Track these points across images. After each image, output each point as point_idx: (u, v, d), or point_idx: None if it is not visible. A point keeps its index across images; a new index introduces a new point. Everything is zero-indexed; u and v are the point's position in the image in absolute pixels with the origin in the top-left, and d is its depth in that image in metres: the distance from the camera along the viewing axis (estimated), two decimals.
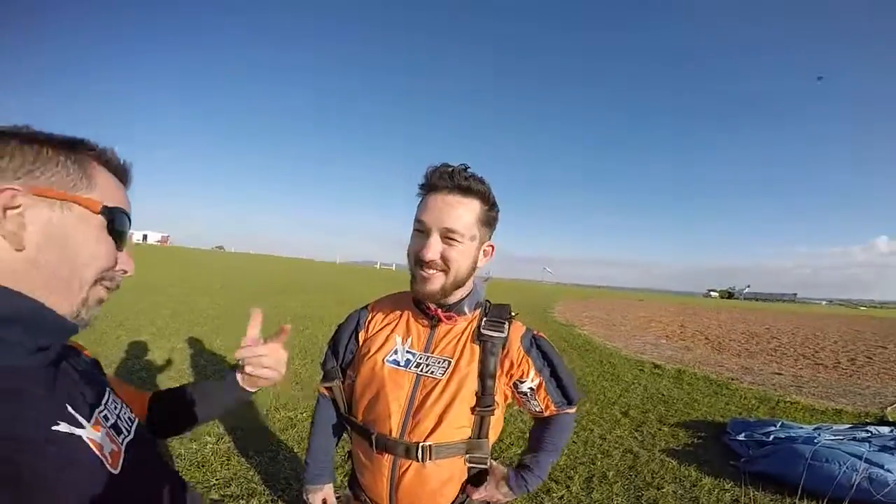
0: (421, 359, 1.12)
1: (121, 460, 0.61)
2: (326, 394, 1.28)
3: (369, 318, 1.25)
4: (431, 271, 1.05)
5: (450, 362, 1.11)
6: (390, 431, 1.09)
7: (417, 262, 1.06)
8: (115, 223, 0.63)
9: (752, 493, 3.02)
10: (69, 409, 0.57)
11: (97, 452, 0.57)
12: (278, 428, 3.74)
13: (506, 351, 1.13)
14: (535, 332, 1.19)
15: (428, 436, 1.06)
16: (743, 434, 3.98)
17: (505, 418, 1.25)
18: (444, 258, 1.04)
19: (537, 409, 1.19)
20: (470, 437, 1.10)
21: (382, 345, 1.17)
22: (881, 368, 8.66)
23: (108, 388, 0.71)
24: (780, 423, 4.17)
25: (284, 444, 3.45)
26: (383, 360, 1.14)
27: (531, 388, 1.14)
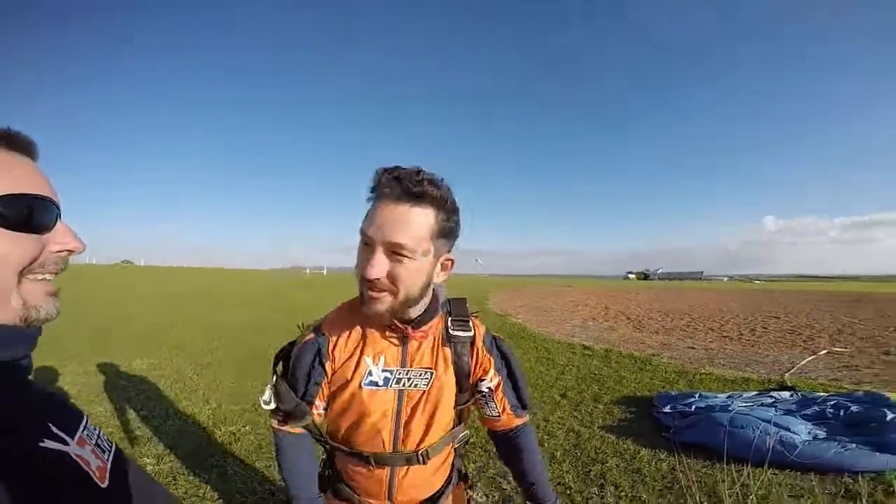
0: (401, 374, 1.07)
1: (107, 475, 0.61)
2: (295, 432, 1.13)
3: (330, 345, 1.09)
4: (377, 292, 0.93)
5: (431, 372, 1.09)
6: (383, 446, 1.08)
7: (362, 280, 0.94)
8: (12, 213, 0.54)
9: (686, 462, 3.25)
10: (52, 426, 0.57)
11: (85, 468, 0.57)
12: (222, 443, 3.56)
13: (474, 348, 1.15)
14: (494, 334, 1.21)
15: (420, 442, 1.10)
16: (668, 406, 4.28)
17: None
18: (390, 277, 0.91)
19: (493, 414, 1.21)
20: (453, 428, 1.17)
21: (355, 370, 1.06)
22: (776, 337, 9.72)
23: (83, 412, 0.68)
24: (698, 394, 4.55)
25: (231, 459, 3.29)
26: (360, 384, 1.06)
27: (490, 388, 1.17)
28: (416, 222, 0.90)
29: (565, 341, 8.76)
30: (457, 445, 1.23)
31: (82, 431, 0.63)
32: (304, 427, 1.13)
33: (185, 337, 8.44)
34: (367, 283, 0.93)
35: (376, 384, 1.06)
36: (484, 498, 2.85)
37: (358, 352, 1.07)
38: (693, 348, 8.30)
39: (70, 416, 0.63)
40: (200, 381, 5.41)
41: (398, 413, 1.08)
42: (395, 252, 0.90)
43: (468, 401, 1.18)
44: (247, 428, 3.88)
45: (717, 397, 4.45)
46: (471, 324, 1.15)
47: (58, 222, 0.61)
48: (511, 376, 1.20)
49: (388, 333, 1.07)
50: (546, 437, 3.84)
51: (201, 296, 18.09)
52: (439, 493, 1.20)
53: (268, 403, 1.09)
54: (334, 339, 1.09)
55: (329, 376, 1.09)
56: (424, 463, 1.10)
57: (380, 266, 0.90)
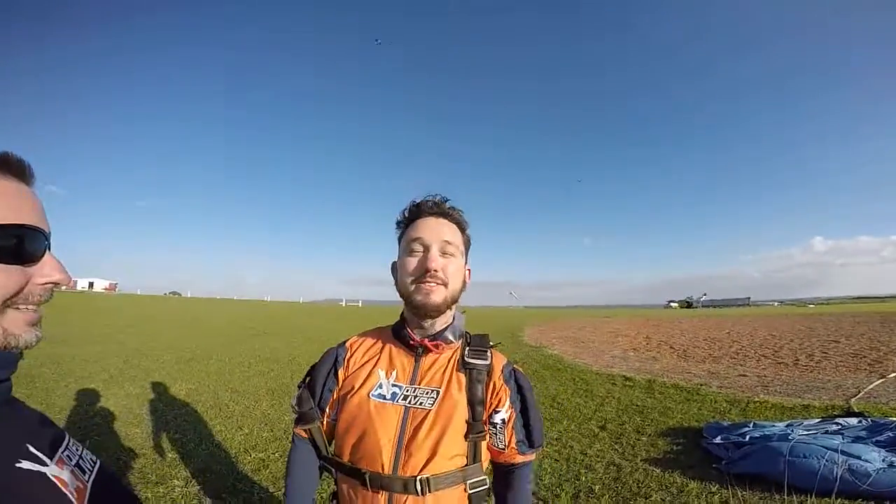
0: (408, 391, 1.10)
1: (87, 497, 0.61)
2: (304, 436, 1.19)
3: (348, 354, 1.21)
4: (433, 283, 1.07)
5: (438, 392, 1.09)
6: (383, 468, 1.03)
7: (419, 275, 1.08)
8: None
9: (739, 494, 2.97)
10: (30, 447, 0.57)
11: (63, 489, 0.57)
12: (249, 469, 3.54)
13: (490, 378, 1.13)
14: (515, 366, 1.19)
15: (423, 468, 1.02)
16: (719, 437, 3.95)
17: None
18: (444, 270, 1.08)
19: (500, 446, 1.14)
20: (465, 465, 1.07)
21: (366, 380, 1.13)
22: (838, 362, 8.98)
23: (65, 432, 0.68)
24: (752, 424, 4.18)
25: (258, 486, 3.25)
26: (368, 394, 1.10)
27: (503, 420, 1.11)
28: (454, 230, 1.13)
29: (604, 372, 8.38)
30: (471, 491, 1.08)
31: (62, 452, 0.63)
32: (311, 432, 1.16)
33: (224, 365, 8.66)
34: (423, 278, 1.07)
35: (384, 397, 1.09)
36: None
37: (372, 364, 1.16)
38: (744, 376, 7.75)
39: (50, 437, 0.63)
40: (235, 408, 5.47)
41: (401, 431, 1.05)
42: (445, 251, 1.10)
43: (481, 432, 1.09)
44: (276, 455, 3.85)
45: (774, 426, 4.07)
46: (489, 353, 1.15)
47: (46, 254, 0.60)
48: (524, 412, 1.14)
49: (404, 350, 1.16)
50: (584, 470, 3.61)
51: (241, 326, 18.50)
52: None
53: (293, 407, 1.17)
54: (353, 350, 1.21)
55: (340, 383, 1.17)
56: (423, 494, 1.01)
57: (437, 259, 1.07)
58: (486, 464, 1.13)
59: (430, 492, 1.01)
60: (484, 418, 1.10)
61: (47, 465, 0.57)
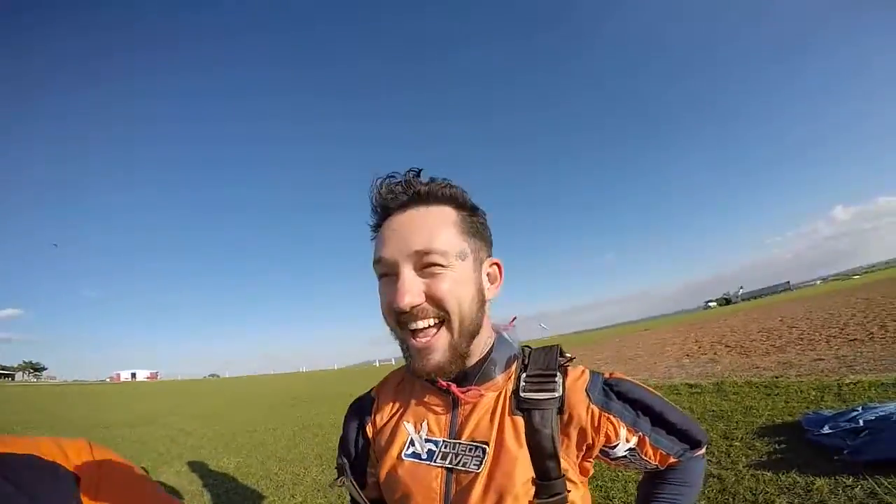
0: (447, 447, 0.78)
1: None
2: (355, 500, 0.88)
3: (375, 406, 0.91)
4: (423, 325, 0.70)
5: (484, 449, 0.74)
6: None
7: (397, 320, 0.71)
8: None
9: (885, 482, 2.53)
10: None
11: None
12: None
13: (566, 415, 0.75)
14: (607, 375, 0.80)
15: None
16: (827, 427, 3.43)
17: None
18: (431, 298, 0.69)
19: (650, 467, 0.81)
20: None
21: (394, 438, 0.84)
22: None
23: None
24: (861, 407, 3.65)
25: None
26: (400, 455, 0.81)
27: (631, 450, 0.77)
28: (437, 221, 0.72)
29: (664, 384, 7.77)
30: None
31: None
32: (352, 496, 0.86)
33: (268, 436, 8.50)
34: (405, 327, 0.71)
35: (418, 456, 0.79)
36: None
37: (398, 416, 0.86)
38: (821, 359, 7.10)
39: None
40: (285, 476, 5.30)
41: (446, 501, 0.75)
42: (425, 265, 0.69)
43: (559, 494, 0.73)
44: None
45: (886, 405, 3.54)
46: (558, 381, 0.76)
47: None
48: (659, 422, 0.78)
49: (435, 393, 0.82)
50: None
51: (281, 397, 18.24)
52: None
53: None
54: (380, 400, 0.91)
55: (372, 440, 0.88)
56: None
57: (412, 286, 0.68)
58: None
59: None
60: (556, 472, 0.73)
61: None
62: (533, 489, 0.72)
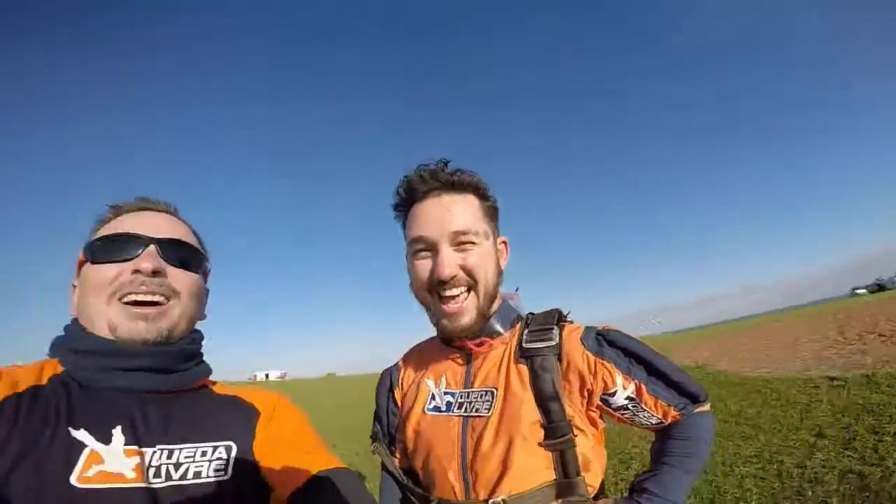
0: (462, 397, 0.92)
1: (99, 485, 0.61)
2: (386, 465, 1.02)
3: (401, 374, 1.08)
4: (457, 292, 0.87)
5: (493, 393, 0.89)
6: (454, 492, 0.87)
7: (434, 289, 0.88)
8: (94, 253, 0.72)
9: None
10: (109, 429, 0.64)
11: (82, 462, 0.61)
12: None
13: (565, 362, 0.87)
14: (601, 327, 0.92)
15: (495, 488, 0.83)
16: None
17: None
18: (465, 269, 0.87)
19: (655, 422, 0.88)
20: (556, 479, 0.84)
21: (418, 395, 0.99)
22: None
23: (204, 439, 0.72)
24: None
25: None
26: (423, 410, 0.96)
27: (630, 398, 0.85)
28: (468, 208, 0.89)
29: (798, 378, 6.95)
30: None
31: (149, 449, 0.68)
32: (384, 464, 1.01)
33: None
34: (441, 291, 0.87)
35: (439, 409, 0.94)
36: None
37: (420, 375, 1.01)
38: None
39: (152, 428, 0.70)
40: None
41: (463, 446, 0.87)
42: (460, 243, 0.87)
43: (565, 436, 0.83)
44: None
45: None
46: (555, 332, 0.89)
47: (142, 254, 0.71)
48: (654, 372, 0.86)
49: (451, 354, 0.98)
50: (807, 485, 2.97)
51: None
52: None
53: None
54: (405, 368, 1.08)
55: (400, 404, 1.03)
56: None
57: (451, 261, 0.86)
58: (595, 475, 0.87)
59: None
60: (561, 414, 0.83)
61: (103, 445, 0.62)
62: (541, 431, 0.83)
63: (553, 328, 0.90)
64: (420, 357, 1.07)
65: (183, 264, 0.76)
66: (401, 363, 1.10)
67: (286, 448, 0.77)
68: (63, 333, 0.74)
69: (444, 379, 0.96)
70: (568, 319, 0.95)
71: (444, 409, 0.93)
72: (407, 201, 0.93)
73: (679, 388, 0.86)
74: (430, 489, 0.91)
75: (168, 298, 0.72)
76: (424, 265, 0.89)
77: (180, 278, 0.75)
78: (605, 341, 0.88)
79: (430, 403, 0.96)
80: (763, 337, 18.09)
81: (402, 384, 1.05)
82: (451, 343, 0.97)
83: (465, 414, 0.90)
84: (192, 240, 0.81)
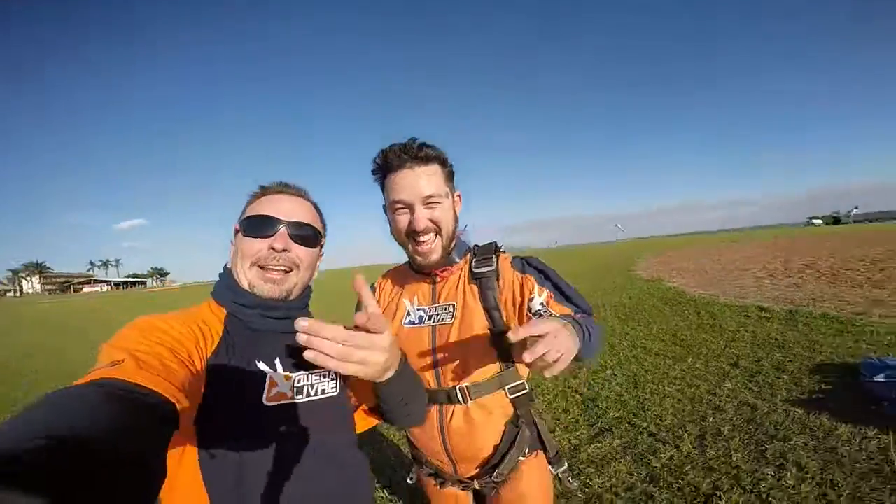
0: (431, 311, 1.23)
1: (278, 402, 0.87)
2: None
3: (378, 293, 1.38)
4: (426, 238, 1.15)
5: (454, 306, 1.20)
6: (428, 383, 1.18)
7: (410, 236, 1.16)
8: (245, 228, 0.95)
9: None
10: (272, 360, 0.90)
11: (266, 386, 0.86)
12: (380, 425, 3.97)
13: (501, 281, 1.19)
14: (527, 256, 1.25)
15: (460, 377, 1.16)
16: (883, 375, 3.48)
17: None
18: (433, 221, 1.14)
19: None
20: (500, 372, 1.17)
21: (396, 311, 1.30)
22: None
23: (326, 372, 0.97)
24: None
25: (384, 436, 3.60)
26: (401, 323, 1.27)
27: (543, 304, 1.12)
28: (434, 176, 1.14)
29: (735, 304, 7.71)
30: (511, 396, 1.18)
31: (305, 375, 0.94)
32: None
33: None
34: (415, 238, 1.15)
35: (413, 322, 1.25)
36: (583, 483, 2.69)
37: (398, 296, 1.32)
38: None
39: (298, 362, 0.94)
40: None
41: (434, 348, 1.19)
42: (429, 203, 1.13)
43: (506, 332, 1.03)
44: None
45: None
46: (494, 259, 1.22)
47: (278, 233, 0.93)
48: (557, 288, 1.16)
49: (420, 277, 1.29)
50: (712, 411, 3.47)
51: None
52: (500, 455, 1.17)
53: None
54: (381, 288, 1.39)
55: None
56: (465, 402, 1.15)
57: (423, 217, 1.12)
58: (526, 372, 1.21)
59: (471, 399, 1.15)
60: (502, 320, 1.15)
61: (274, 372, 0.88)
62: (489, 335, 1.15)
63: (492, 257, 1.22)
64: (394, 280, 1.38)
65: (304, 242, 0.97)
66: (378, 283, 1.41)
67: None
68: (221, 280, 0.98)
69: (417, 298, 1.27)
70: (502, 250, 1.27)
71: (416, 322, 1.25)
72: (383, 169, 1.16)
73: (576, 302, 1.15)
74: None
75: (290, 269, 0.95)
76: (403, 219, 1.15)
77: (301, 254, 0.96)
78: (526, 262, 1.21)
79: (406, 318, 1.27)
80: (717, 256, 19.42)
81: (379, 300, 1.36)
82: (420, 271, 1.27)
83: (433, 324, 1.21)
84: (314, 220, 1.02)
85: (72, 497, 0.35)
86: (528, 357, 0.73)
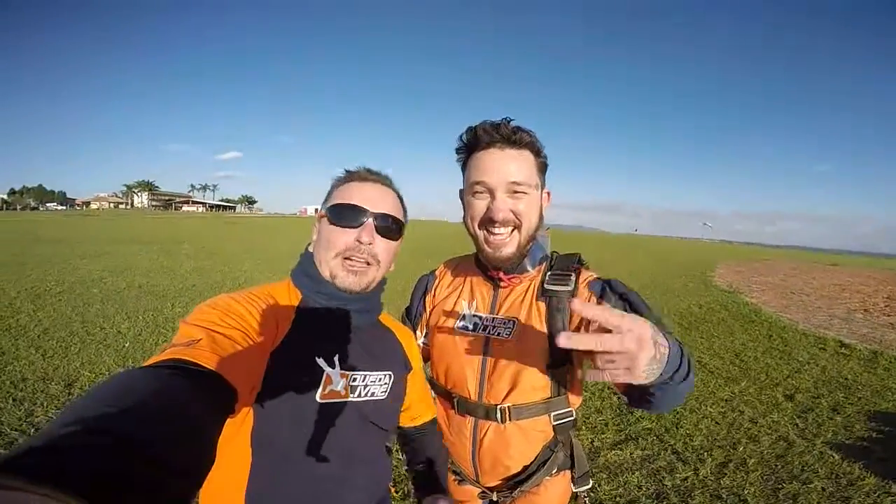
0: (487, 321, 1.10)
1: (330, 400, 0.84)
2: None
3: (436, 283, 1.26)
4: (503, 231, 1.02)
5: (514, 322, 1.07)
6: (469, 394, 1.08)
7: (484, 225, 1.03)
8: (331, 216, 0.90)
9: None
10: (333, 357, 0.86)
11: (322, 383, 0.83)
12: None
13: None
14: (609, 279, 1.06)
15: (505, 397, 1.04)
16: None
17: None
18: (514, 213, 1.01)
19: None
20: (549, 398, 1.05)
21: (451, 311, 1.16)
22: None
23: (387, 367, 0.96)
24: None
25: None
26: (454, 326, 1.14)
27: None
28: (525, 163, 1.01)
29: (814, 333, 7.15)
30: (555, 423, 1.07)
31: (354, 372, 0.90)
32: None
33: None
34: (488, 229, 1.03)
35: (467, 328, 1.12)
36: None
37: (456, 295, 1.19)
38: None
39: (363, 359, 0.92)
40: None
41: (483, 360, 1.08)
42: (514, 191, 1.00)
43: (565, 364, 1.04)
44: None
45: None
46: (572, 278, 1.04)
47: (365, 224, 0.88)
48: (634, 311, 0.94)
49: (484, 279, 1.15)
50: (746, 440, 3.40)
51: (423, 248, 20.27)
52: (528, 475, 1.07)
53: None
54: (440, 279, 1.26)
55: (429, 311, 1.24)
56: (503, 422, 1.04)
57: (504, 206, 1.00)
58: (576, 401, 1.10)
59: (510, 420, 1.04)
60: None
61: (332, 369, 0.84)
62: (548, 360, 1.02)
63: (571, 275, 1.05)
64: (455, 273, 1.24)
65: (387, 234, 0.92)
66: (437, 273, 1.28)
67: (417, 384, 1.06)
68: (302, 263, 0.95)
69: (475, 302, 1.13)
70: (584, 265, 1.11)
71: (470, 328, 1.11)
72: (469, 147, 1.04)
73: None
74: (448, 386, 1.14)
75: (371, 263, 0.90)
76: (481, 204, 1.02)
77: (383, 247, 0.91)
78: (608, 287, 1.02)
79: (459, 322, 1.13)
80: (809, 277, 17.63)
81: (434, 293, 1.24)
82: (485, 270, 1.13)
83: (488, 335, 1.08)
84: (398, 212, 0.96)
85: (109, 497, 0.32)
86: (594, 373, 0.65)
